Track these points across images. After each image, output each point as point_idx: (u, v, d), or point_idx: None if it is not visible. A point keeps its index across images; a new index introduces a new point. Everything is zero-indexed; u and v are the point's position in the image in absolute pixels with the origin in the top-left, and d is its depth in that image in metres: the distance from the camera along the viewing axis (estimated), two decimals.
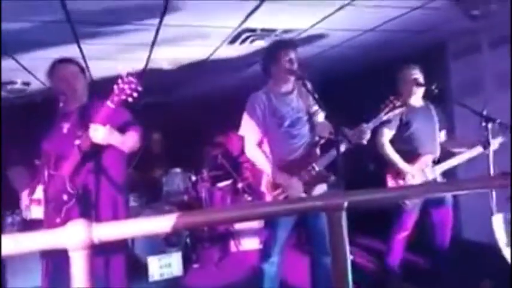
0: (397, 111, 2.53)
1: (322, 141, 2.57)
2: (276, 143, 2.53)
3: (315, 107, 2.62)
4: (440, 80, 3.77)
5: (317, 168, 2.45)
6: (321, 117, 2.64)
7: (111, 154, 2.19)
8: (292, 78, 2.54)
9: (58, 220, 1.97)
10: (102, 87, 2.10)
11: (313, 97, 2.44)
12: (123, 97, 1.93)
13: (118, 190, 2.26)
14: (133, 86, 1.92)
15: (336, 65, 4.86)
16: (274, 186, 2.46)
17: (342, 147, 2.27)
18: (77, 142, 2.00)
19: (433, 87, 3.08)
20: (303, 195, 2.41)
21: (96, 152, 2.12)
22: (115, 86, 1.94)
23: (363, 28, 3.45)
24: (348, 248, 1.33)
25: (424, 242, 3.28)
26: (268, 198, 2.49)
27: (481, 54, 3.91)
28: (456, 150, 3.19)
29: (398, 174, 3.10)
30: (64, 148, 2.08)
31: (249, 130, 2.56)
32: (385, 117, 2.51)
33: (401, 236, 3.21)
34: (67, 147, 2.07)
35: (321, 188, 2.51)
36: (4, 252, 0.91)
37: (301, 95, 2.60)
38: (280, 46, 2.57)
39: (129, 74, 1.94)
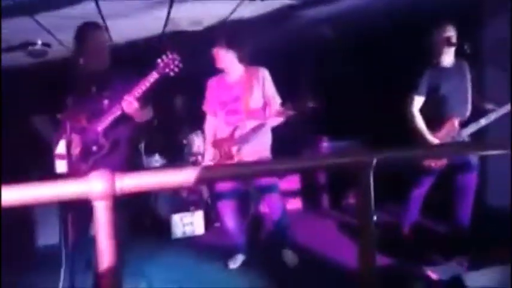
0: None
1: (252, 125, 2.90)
2: (218, 123, 3.03)
3: (271, 95, 2.92)
4: (475, 38, 3.58)
5: (232, 150, 2.87)
6: (276, 104, 2.92)
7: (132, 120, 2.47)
8: (241, 70, 2.92)
9: (84, 168, 2.21)
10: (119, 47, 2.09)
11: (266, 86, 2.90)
12: (167, 70, 2.28)
13: (132, 152, 2.63)
14: (176, 62, 2.29)
15: (364, 25, 4.64)
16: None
17: None
18: (122, 104, 2.28)
19: (465, 47, 2.94)
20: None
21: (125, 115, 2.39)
22: (159, 60, 2.29)
23: None
24: (373, 206, 1.30)
25: (447, 208, 3.23)
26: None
27: None
28: (486, 107, 3.07)
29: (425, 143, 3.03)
30: (94, 106, 2.34)
31: (205, 106, 3.14)
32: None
33: (417, 193, 3.23)
34: (96, 105, 2.35)
35: None
36: (29, 200, 0.92)
37: (249, 83, 2.91)
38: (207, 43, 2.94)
39: (173, 52, 2.32)
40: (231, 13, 3.83)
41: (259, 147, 2.92)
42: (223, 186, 3.03)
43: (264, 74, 2.94)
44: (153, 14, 3.67)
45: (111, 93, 2.31)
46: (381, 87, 4.72)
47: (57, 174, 2.02)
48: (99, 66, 2.42)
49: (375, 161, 1.26)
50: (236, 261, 3.14)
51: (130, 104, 2.24)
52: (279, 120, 2.88)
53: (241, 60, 2.95)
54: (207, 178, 1.09)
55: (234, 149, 2.88)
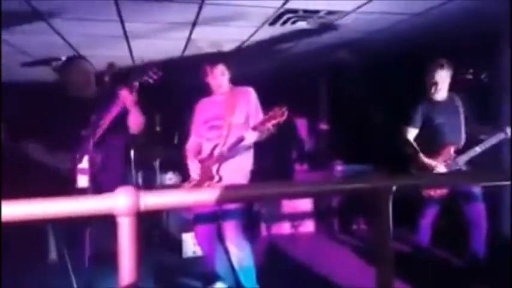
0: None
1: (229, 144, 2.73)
2: (202, 141, 2.95)
3: (255, 113, 2.81)
4: (492, 68, 3.59)
5: (212, 169, 2.75)
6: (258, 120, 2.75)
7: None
8: (223, 89, 2.87)
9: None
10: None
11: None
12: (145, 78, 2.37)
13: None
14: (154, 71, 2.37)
15: (380, 51, 4.70)
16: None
17: None
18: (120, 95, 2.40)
19: (483, 76, 3.02)
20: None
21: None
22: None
23: (410, 12, 3.30)
24: (391, 230, 1.29)
25: (460, 241, 3.18)
26: None
27: None
28: (481, 136, 3.10)
29: (423, 169, 3.07)
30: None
31: (191, 129, 3.05)
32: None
33: (424, 223, 3.28)
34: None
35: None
36: (55, 215, 0.94)
37: (234, 101, 2.82)
38: (206, 62, 2.89)
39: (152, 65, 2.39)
40: (251, 36, 3.91)
41: (240, 166, 2.80)
42: (199, 208, 2.84)
43: (251, 93, 2.87)
44: (175, 35, 3.77)
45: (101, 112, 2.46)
46: (397, 114, 4.72)
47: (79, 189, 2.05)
48: (86, 91, 2.67)
49: (394, 187, 1.26)
50: None
51: (127, 93, 2.37)
52: (258, 136, 2.69)
53: (230, 80, 2.93)
54: (229, 198, 1.10)
55: (214, 168, 2.76)
